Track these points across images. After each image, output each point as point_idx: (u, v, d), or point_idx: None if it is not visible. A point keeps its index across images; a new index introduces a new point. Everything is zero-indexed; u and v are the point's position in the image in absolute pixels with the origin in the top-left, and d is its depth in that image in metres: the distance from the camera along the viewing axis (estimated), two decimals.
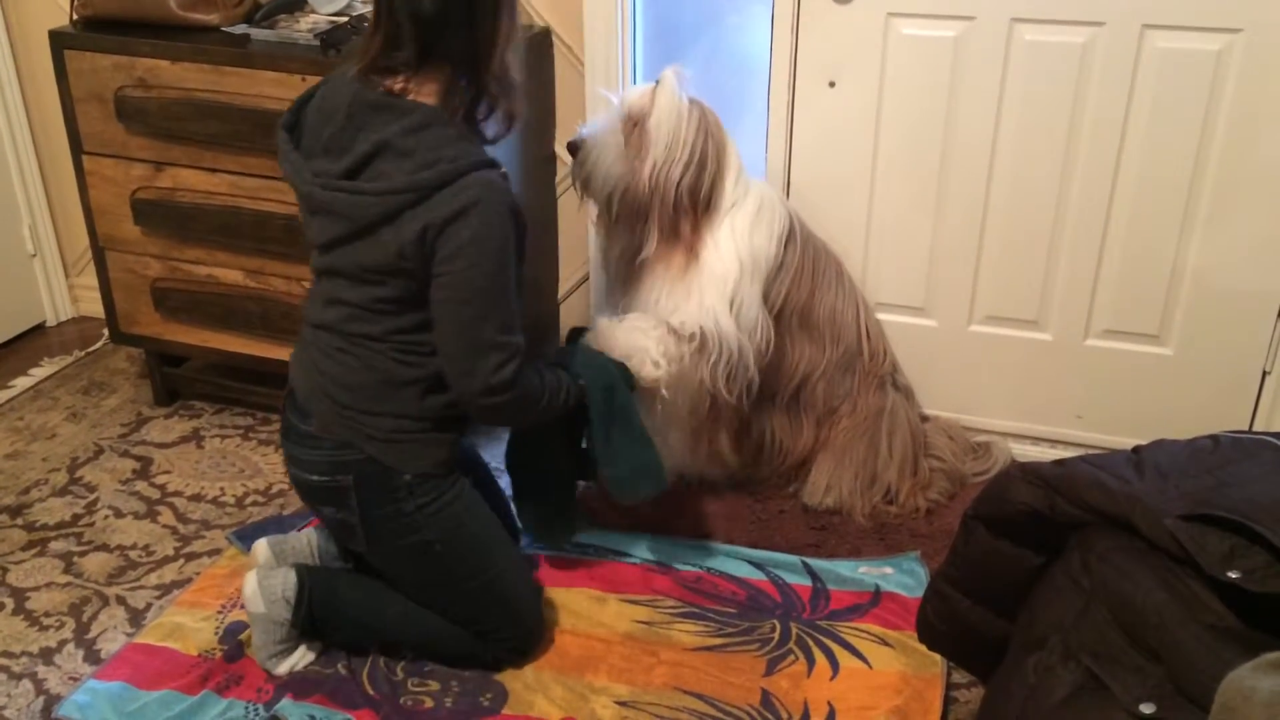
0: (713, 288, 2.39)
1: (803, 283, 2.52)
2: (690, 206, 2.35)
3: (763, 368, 2.48)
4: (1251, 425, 2.61)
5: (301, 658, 2.13)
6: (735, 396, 2.48)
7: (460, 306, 1.86)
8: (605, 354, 2.21)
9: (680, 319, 2.37)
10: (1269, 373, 2.56)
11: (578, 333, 2.36)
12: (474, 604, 2.08)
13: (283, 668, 2.11)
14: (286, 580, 2.08)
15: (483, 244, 1.83)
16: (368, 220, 1.85)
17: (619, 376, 2.18)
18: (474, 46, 1.87)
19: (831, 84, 2.61)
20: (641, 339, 2.30)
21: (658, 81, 2.36)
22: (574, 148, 2.41)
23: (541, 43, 2.75)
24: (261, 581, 2.07)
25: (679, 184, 2.33)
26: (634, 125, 2.34)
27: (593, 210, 2.51)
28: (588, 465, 2.23)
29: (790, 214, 2.51)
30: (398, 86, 1.89)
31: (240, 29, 2.66)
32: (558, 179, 2.92)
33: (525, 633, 2.14)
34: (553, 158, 2.90)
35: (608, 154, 2.36)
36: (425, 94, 1.89)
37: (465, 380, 1.90)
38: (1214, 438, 1.75)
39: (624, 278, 2.49)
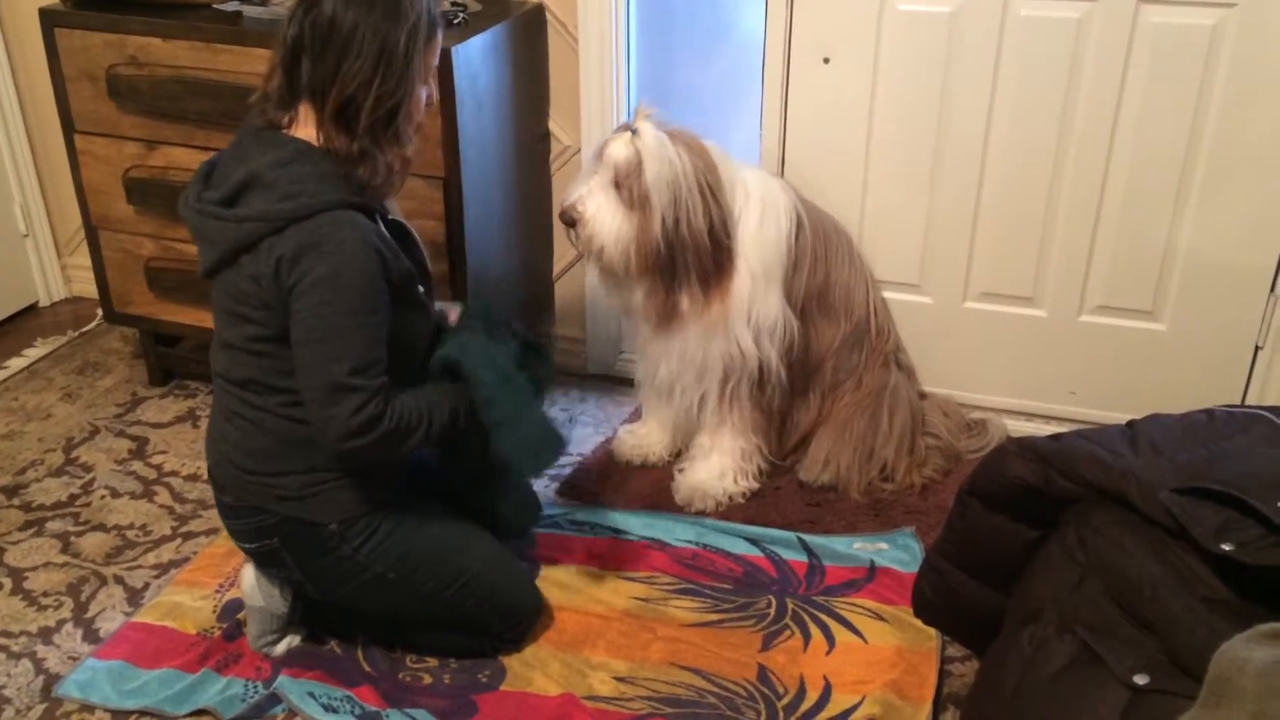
0: (732, 311, 2.38)
1: (817, 269, 2.51)
2: (725, 243, 2.32)
3: (789, 365, 2.50)
4: (1244, 400, 2.62)
5: (292, 641, 2.14)
6: (766, 405, 2.52)
7: (314, 345, 1.79)
8: (491, 343, 2.07)
9: (711, 361, 2.41)
10: (1261, 348, 2.57)
11: (461, 328, 2.15)
12: (456, 609, 2.05)
13: (278, 649, 2.12)
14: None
15: (336, 281, 1.77)
16: (229, 246, 1.83)
17: (513, 365, 2.06)
18: (336, 85, 1.81)
19: (826, 60, 2.60)
20: (718, 483, 2.51)
21: (632, 130, 2.28)
22: (571, 220, 2.33)
23: (535, 19, 2.74)
24: (259, 576, 2.07)
25: (709, 230, 2.28)
26: (624, 179, 2.27)
27: (593, 268, 2.45)
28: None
29: (794, 202, 2.49)
30: (285, 119, 1.88)
31: (232, 6, 2.64)
32: (551, 156, 2.91)
33: (518, 621, 2.13)
34: (546, 136, 2.89)
35: (611, 219, 2.28)
36: (305, 129, 1.87)
37: (326, 425, 1.81)
38: (1208, 412, 1.76)
39: (652, 325, 2.44)
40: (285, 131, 1.87)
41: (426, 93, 1.95)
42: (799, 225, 2.47)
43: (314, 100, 1.84)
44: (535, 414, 2.06)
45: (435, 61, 1.95)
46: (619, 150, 2.28)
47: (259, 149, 1.86)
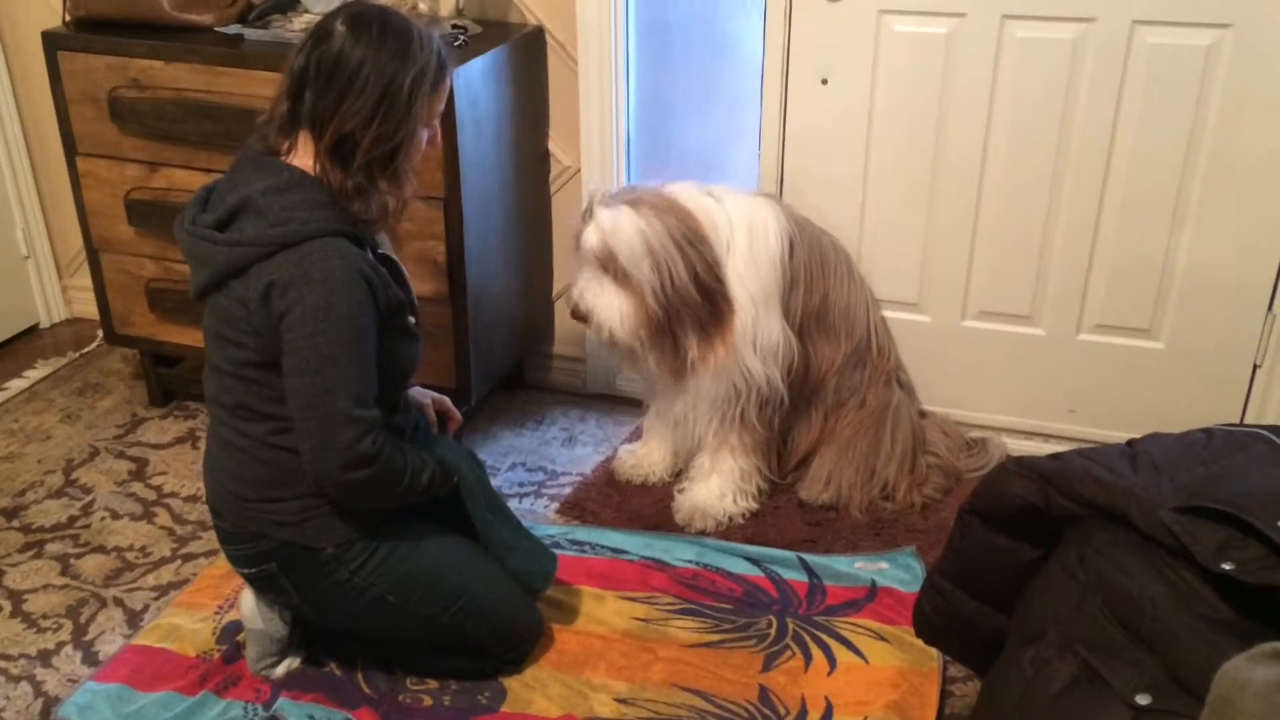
0: (738, 346, 2.40)
1: (814, 288, 2.52)
2: (716, 285, 2.33)
3: (790, 385, 2.50)
4: (1243, 418, 2.63)
5: (291, 663, 2.13)
6: (765, 424, 2.53)
7: (309, 376, 1.78)
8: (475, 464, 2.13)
9: (723, 393, 2.44)
10: (1260, 366, 2.58)
11: (441, 420, 2.24)
12: (456, 630, 2.04)
13: (277, 672, 2.12)
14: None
15: (328, 312, 1.76)
16: (218, 269, 1.83)
17: (482, 468, 2.14)
18: (335, 120, 1.81)
19: (824, 81, 2.62)
20: (718, 504, 2.52)
21: (593, 215, 2.31)
22: (582, 316, 2.40)
23: (535, 41, 2.75)
24: (259, 600, 2.07)
25: (695, 280, 2.29)
26: (606, 264, 2.31)
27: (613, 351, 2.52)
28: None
29: (784, 222, 2.49)
30: (284, 146, 1.87)
31: (234, 29, 2.66)
32: (551, 176, 2.92)
33: (517, 642, 2.12)
34: (546, 156, 2.90)
35: (609, 305, 2.33)
36: (303, 158, 1.86)
37: (322, 456, 1.80)
38: (1207, 431, 1.76)
39: (667, 379, 2.48)
40: (283, 158, 1.87)
41: (429, 134, 1.95)
42: (791, 245, 2.47)
43: (313, 131, 1.84)
44: (526, 539, 2.15)
45: (441, 106, 1.95)
46: (590, 239, 2.32)
47: (255, 174, 1.86)
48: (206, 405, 2.01)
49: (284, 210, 1.80)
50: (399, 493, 1.91)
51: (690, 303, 2.32)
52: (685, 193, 2.39)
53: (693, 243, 2.31)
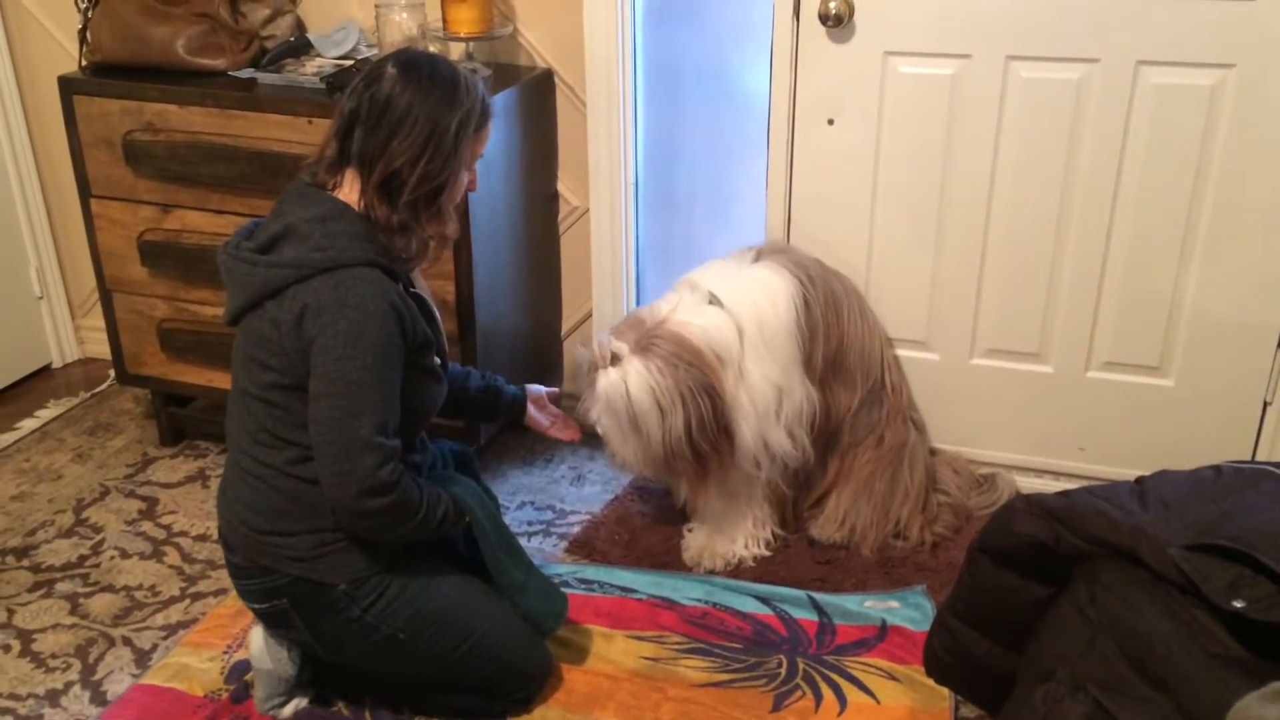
0: (747, 447, 2.41)
1: (830, 335, 2.50)
2: (710, 447, 2.34)
3: (814, 439, 2.52)
4: (1254, 456, 2.61)
5: (299, 703, 2.13)
6: (789, 484, 2.55)
7: (334, 399, 1.82)
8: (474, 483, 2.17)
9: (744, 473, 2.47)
10: (1270, 403, 2.57)
11: (460, 457, 2.27)
12: (466, 669, 2.04)
13: (285, 712, 2.11)
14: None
15: (359, 338, 1.81)
16: (256, 290, 1.88)
17: (496, 505, 2.16)
18: (384, 159, 1.88)
19: (830, 122, 2.64)
20: (729, 545, 2.54)
21: (607, 366, 2.32)
22: (592, 430, 2.44)
23: (544, 84, 2.78)
24: (268, 639, 2.07)
25: (689, 437, 2.30)
26: (617, 409, 2.32)
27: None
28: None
29: (793, 283, 2.46)
30: (330, 183, 1.94)
31: (247, 73, 2.70)
32: (560, 217, 2.95)
33: (527, 682, 2.12)
34: (555, 197, 2.92)
35: (621, 444, 2.37)
36: (349, 194, 1.92)
37: (342, 481, 1.83)
38: (1216, 468, 1.76)
39: (694, 497, 2.54)
40: (329, 192, 1.93)
41: (470, 178, 2.03)
42: (806, 303, 2.46)
43: (361, 169, 1.91)
44: (537, 580, 2.14)
45: (483, 149, 2.03)
46: (603, 386, 2.32)
47: (299, 205, 1.92)
48: (227, 435, 2.03)
49: (325, 237, 1.86)
50: (413, 526, 1.92)
51: (682, 458, 2.34)
52: (689, 323, 2.35)
53: (697, 394, 2.29)
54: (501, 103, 2.60)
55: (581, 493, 2.82)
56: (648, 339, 2.31)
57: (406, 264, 1.96)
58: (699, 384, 2.30)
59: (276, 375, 1.88)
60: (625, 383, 2.28)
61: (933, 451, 2.79)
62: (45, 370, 3.46)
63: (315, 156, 1.97)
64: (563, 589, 2.25)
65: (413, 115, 1.87)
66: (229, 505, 2.01)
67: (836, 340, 2.53)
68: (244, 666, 2.20)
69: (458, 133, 1.91)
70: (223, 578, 2.51)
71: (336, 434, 1.83)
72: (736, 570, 2.52)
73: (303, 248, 1.86)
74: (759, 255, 2.54)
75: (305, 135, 2.52)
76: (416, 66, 1.91)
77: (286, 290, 1.85)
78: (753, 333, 2.40)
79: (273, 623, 2.03)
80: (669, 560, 2.56)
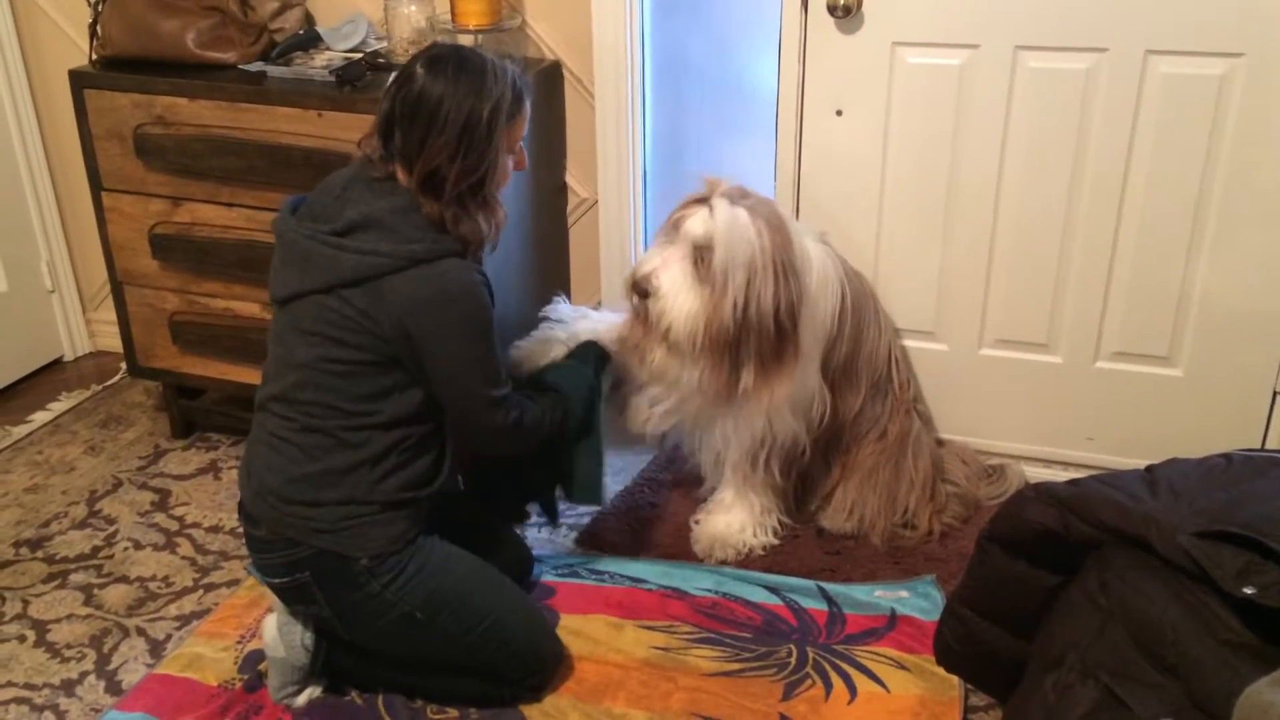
0: (789, 393, 2.35)
1: (848, 339, 2.50)
2: (791, 328, 2.23)
3: (816, 437, 2.51)
4: (1263, 444, 2.62)
5: (313, 692, 2.14)
6: (783, 475, 2.54)
7: (460, 382, 1.98)
8: (583, 360, 2.35)
9: (756, 435, 2.43)
10: (1279, 392, 2.57)
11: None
12: (478, 654, 2.07)
13: (299, 701, 2.12)
14: (306, 627, 2.09)
15: (472, 323, 1.96)
16: (341, 277, 1.91)
17: (596, 386, 2.33)
18: (423, 157, 1.93)
19: (839, 113, 2.64)
20: (738, 535, 2.53)
21: (710, 205, 2.22)
22: (644, 292, 2.26)
23: (552, 76, 2.79)
24: (282, 628, 2.08)
25: (776, 312, 2.19)
26: (700, 256, 2.21)
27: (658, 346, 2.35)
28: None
29: (840, 273, 2.45)
30: (391, 172, 1.98)
31: (256, 67, 2.70)
32: (569, 208, 2.95)
33: (538, 669, 2.13)
34: (563, 189, 2.93)
35: (684, 297, 2.21)
36: (404, 186, 1.98)
37: (478, 436, 2.10)
38: (1226, 456, 1.77)
39: (707, 400, 2.35)
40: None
41: (513, 160, 2.07)
42: (844, 298, 2.44)
43: (405, 167, 1.95)
44: (597, 456, 2.36)
45: (522, 132, 2.06)
46: (696, 226, 2.21)
47: (371, 195, 1.96)
48: (261, 409, 2.05)
49: (413, 229, 1.93)
50: (542, 437, 2.17)
51: (764, 333, 2.22)
52: (790, 222, 2.29)
53: (788, 275, 2.22)
54: None
55: None
56: (755, 204, 2.25)
57: (472, 251, 2.02)
58: (790, 266, 2.22)
59: (356, 351, 1.94)
60: (731, 225, 2.16)
61: (941, 442, 2.79)
62: (57, 363, 3.48)
63: (364, 152, 2.01)
64: (574, 579, 2.27)
65: (444, 110, 1.92)
66: (257, 476, 2.02)
67: (852, 345, 2.52)
68: (258, 656, 2.22)
69: (490, 121, 1.94)
70: (235, 568, 2.53)
71: (472, 401, 2.01)
72: (746, 560, 2.53)
73: (394, 238, 1.91)
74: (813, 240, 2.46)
75: (315, 128, 2.53)
76: (443, 61, 1.94)
77: (381, 279, 1.90)
78: (812, 291, 2.36)
79: (292, 598, 2.05)
80: (679, 551, 2.57)
